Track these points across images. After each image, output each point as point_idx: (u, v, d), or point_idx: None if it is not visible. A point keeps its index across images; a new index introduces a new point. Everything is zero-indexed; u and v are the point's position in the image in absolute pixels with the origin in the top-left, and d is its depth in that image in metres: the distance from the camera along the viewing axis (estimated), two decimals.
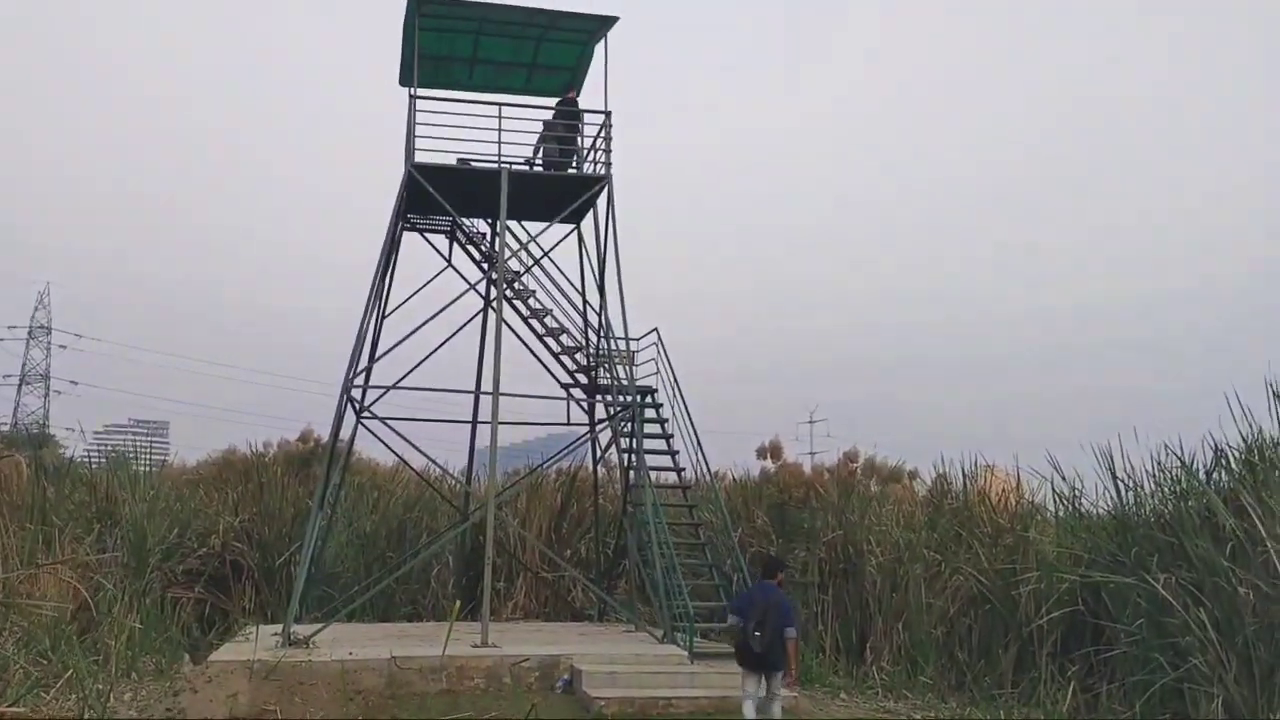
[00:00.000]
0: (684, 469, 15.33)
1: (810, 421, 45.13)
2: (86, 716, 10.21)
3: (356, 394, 14.81)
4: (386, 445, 14.40)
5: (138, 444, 28.32)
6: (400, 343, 14.37)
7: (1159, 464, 13.58)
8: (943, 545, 16.56)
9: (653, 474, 15.62)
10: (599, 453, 16.78)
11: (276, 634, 12.85)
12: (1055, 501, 16.17)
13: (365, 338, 14.13)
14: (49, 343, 78.12)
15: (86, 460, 20.56)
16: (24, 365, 76.40)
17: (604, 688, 11.47)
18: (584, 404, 16.75)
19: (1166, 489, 13.67)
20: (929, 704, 13.74)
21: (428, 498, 19.77)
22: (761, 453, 28.96)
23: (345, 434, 15.74)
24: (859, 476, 25.21)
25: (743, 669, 10.39)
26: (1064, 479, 15.26)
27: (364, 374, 14.88)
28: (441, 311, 14.05)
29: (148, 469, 24.45)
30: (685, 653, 12.55)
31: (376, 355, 14.70)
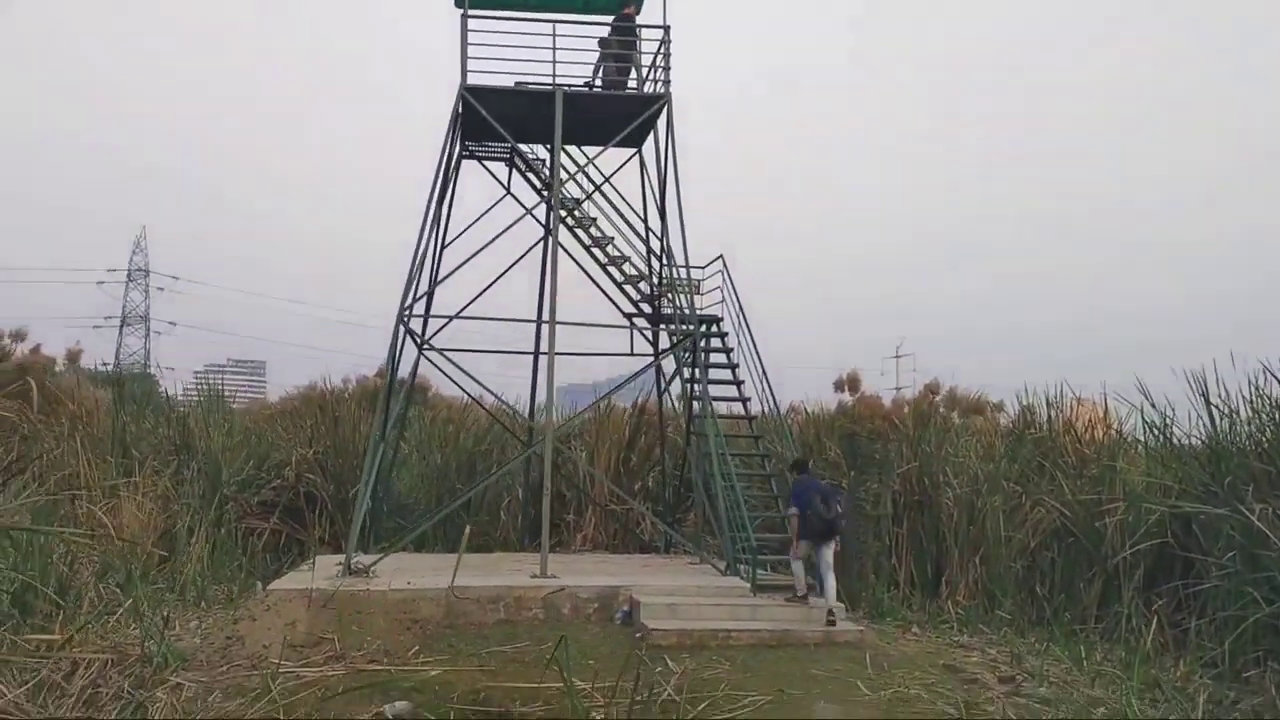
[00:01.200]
0: (750, 399, 14.80)
1: (896, 356, 43.92)
2: (146, 645, 10.27)
3: (416, 325, 14.58)
4: (449, 377, 14.15)
5: (224, 384, 28.95)
6: (457, 269, 14.09)
7: (1257, 388, 12.62)
8: (1024, 477, 15.82)
9: (719, 406, 15.13)
10: (664, 384, 16.32)
11: (340, 564, 12.79)
12: (1145, 430, 15.28)
13: (421, 265, 13.82)
14: (147, 285, 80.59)
15: (166, 396, 20.87)
16: (124, 307, 78.93)
17: (662, 619, 11.14)
18: (648, 334, 16.28)
19: (1265, 415, 12.72)
20: (1005, 639, 13.13)
21: (497, 432, 19.63)
22: (839, 385, 28.32)
23: (408, 366, 15.58)
24: (940, 408, 24.37)
25: (805, 541, 11.99)
26: (1154, 407, 14.34)
27: (425, 301, 14.64)
28: (498, 237, 13.69)
29: (226, 405, 24.94)
30: (747, 585, 12.14)
31: (435, 283, 14.39)
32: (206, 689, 9.78)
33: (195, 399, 22.26)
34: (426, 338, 15.14)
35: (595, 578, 12.28)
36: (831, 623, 11.51)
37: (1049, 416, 17.07)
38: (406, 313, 13.19)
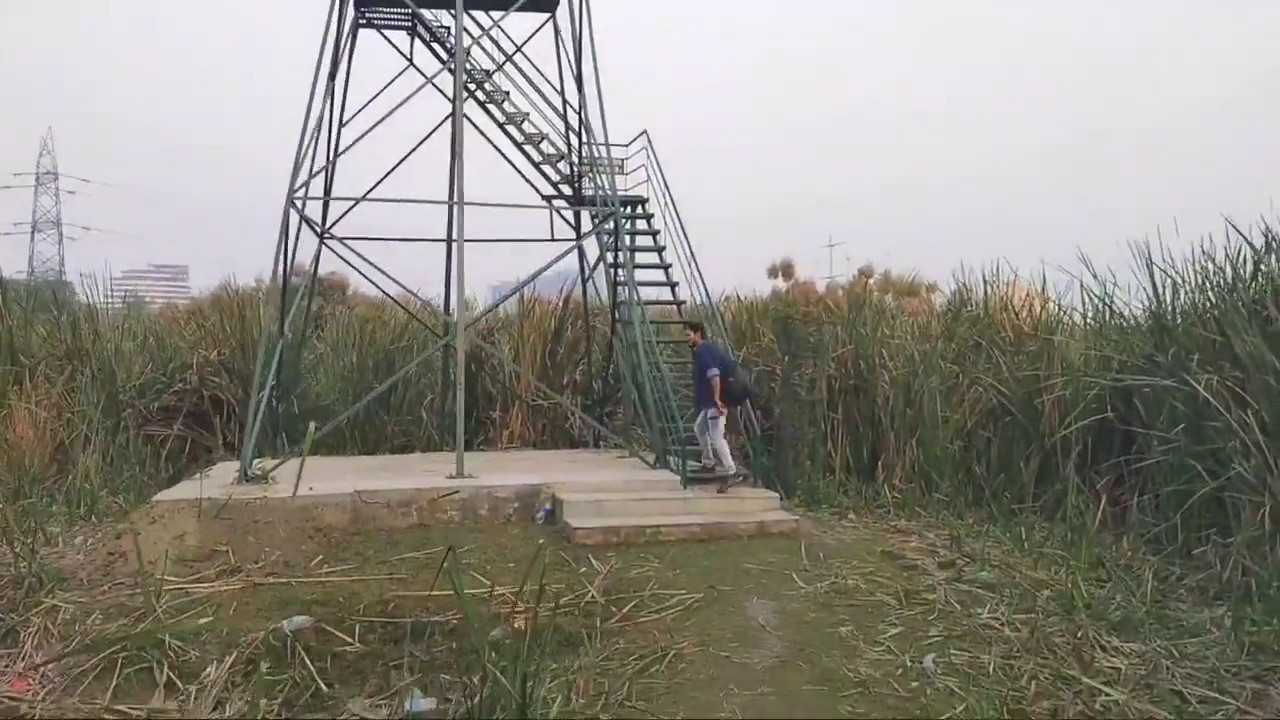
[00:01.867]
0: (678, 283, 13.88)
1: (830, 245, 43.21)
2: (19, 565, 9.27)
3: (315, 212, 13.33)
4: (357, 270, 12.97)
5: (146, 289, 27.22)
6: (350, 146, 12.79)
7: (1205, 253, 12.00)
8: (960, 356, 15.22)
9: (647, 292, 14.21)
10: (587, 270, 15.28)
11: (250, 469, 11.77)
12: (1085, 300, 14.70)
13: (314, 143, 12.47)
14: (57, 188, 76.61)
15: (54, 297, 19.32)
16: (35, 212, 75.07)
17: (587, 517, 10.38)
18: (569, 218, 15.20)
19: (1210, 283, 12.13)
20: (944, 521, 12.67)
21: (416, 328, 18.53)
22: (773, 272, 27.59)
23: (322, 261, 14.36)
24: (874, 292, 23.72)
25: (726, 413, 11.63)
26: (1095, 276, 13.71)
27: (324, 184, 13.34)
28: (394, 110, 12.37)
29: (141, 309, 23.42)
30: (677, 478, 11.40)
31: (333, 160, 13.03)
32: (85, 610, 8.84)
33: (104, 304, 20.77)
34: (329, 225, 13.90)
35: (515, 476, 11.44)
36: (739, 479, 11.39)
37: (985, 294, 16.43)
38: (297, 195, 11.89)
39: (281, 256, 11.82)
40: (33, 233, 75.20)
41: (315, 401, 17.71)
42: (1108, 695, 6.79)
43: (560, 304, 17.70)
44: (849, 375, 15.42)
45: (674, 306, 13.93)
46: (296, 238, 12.76)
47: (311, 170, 12.46)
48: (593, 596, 8.88)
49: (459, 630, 8.56)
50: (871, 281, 25.17)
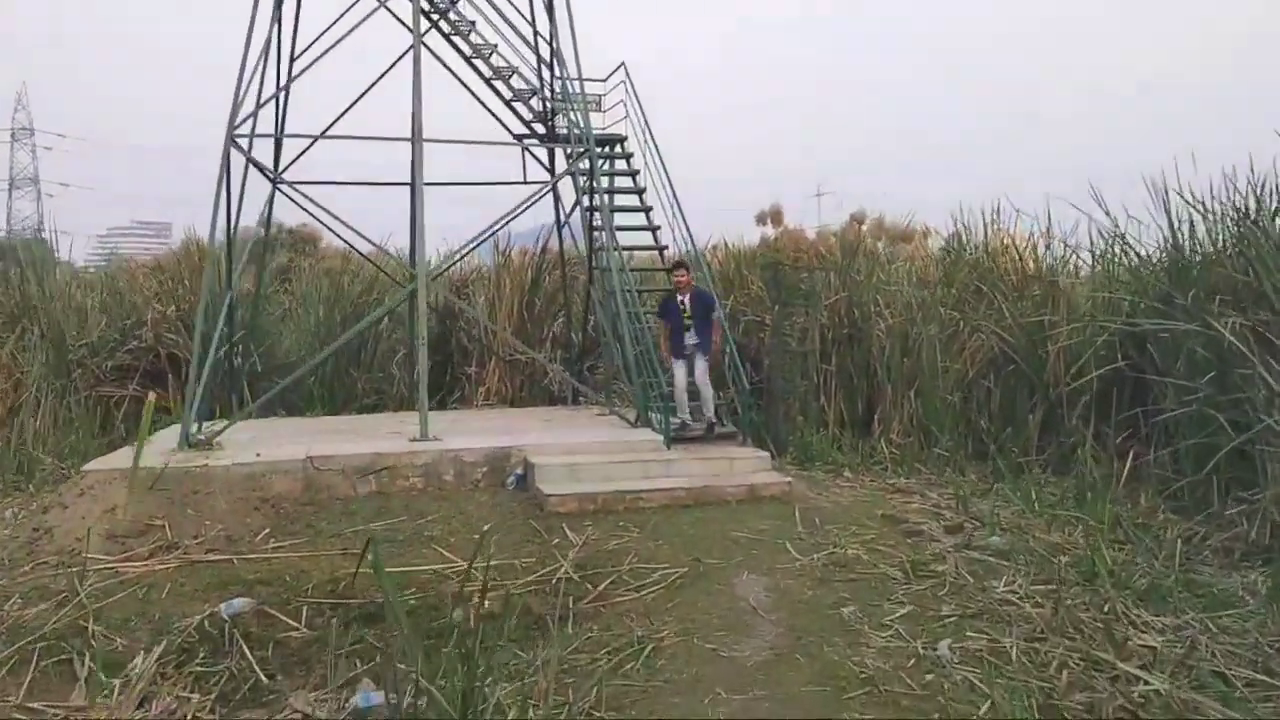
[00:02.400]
0: (659, 227, 12.81)
1: (818, 195, 41.89)
2: None
3: (266, 156, 12.18)
4: (316, 220, 11.80)
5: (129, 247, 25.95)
6: (298, 76, 11.60)
7: (1230, 184, 10.97)
8: (961, 302, 14.24)
9: (627, 238, 13.16)
10: (563, 215, 14.19)
11: (192, 434, 10.77)
12: (1095, 237, 13.68)
13: (255, 72, 11.22)
14: (33, 144, 74.59)
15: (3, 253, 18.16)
16: (11, 168, 73.09)
17: (561, 483, 9.43)
18: (543, 159, 14.08)
19: (1233, 218, 11.12)
20: (946, 479, 11.77)
21: (385, 281, 17.44)
22: (761, 218, 26.35)
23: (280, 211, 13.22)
24: (867, 239, 22.62)
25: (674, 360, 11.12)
26: (1107, 213, 12.67)
27: (275, 123, 12.16)
28: (347, 35, 11.16)
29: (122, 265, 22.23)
30: (660, 439, 10.44)
31: (278, 96, 11.82)
32: (4, 594, 7.89)
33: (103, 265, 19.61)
34: (282, 169, 12.76)
35: (485, 437, 10.46)
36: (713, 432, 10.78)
37: (986, 236, 15.42)
38: (240, 133, 10.70)
39: (224, 202, 10.68)
40: (10, 189, 73.42)
41: (284, 359, 16.68)
42: (1147, 684, 5.90)
43: (537, 253, 16.61)
44: (842, 324, 14.46)
45: (656, 252, 12.87)
46: (244, 181, 11.63)
47: (259, 102, 11.26)
48: (565, 572, 7.96)
49: (418, 612, 7.65)
50: (864, 227, 24.07)
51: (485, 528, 8.91)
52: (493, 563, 8.19)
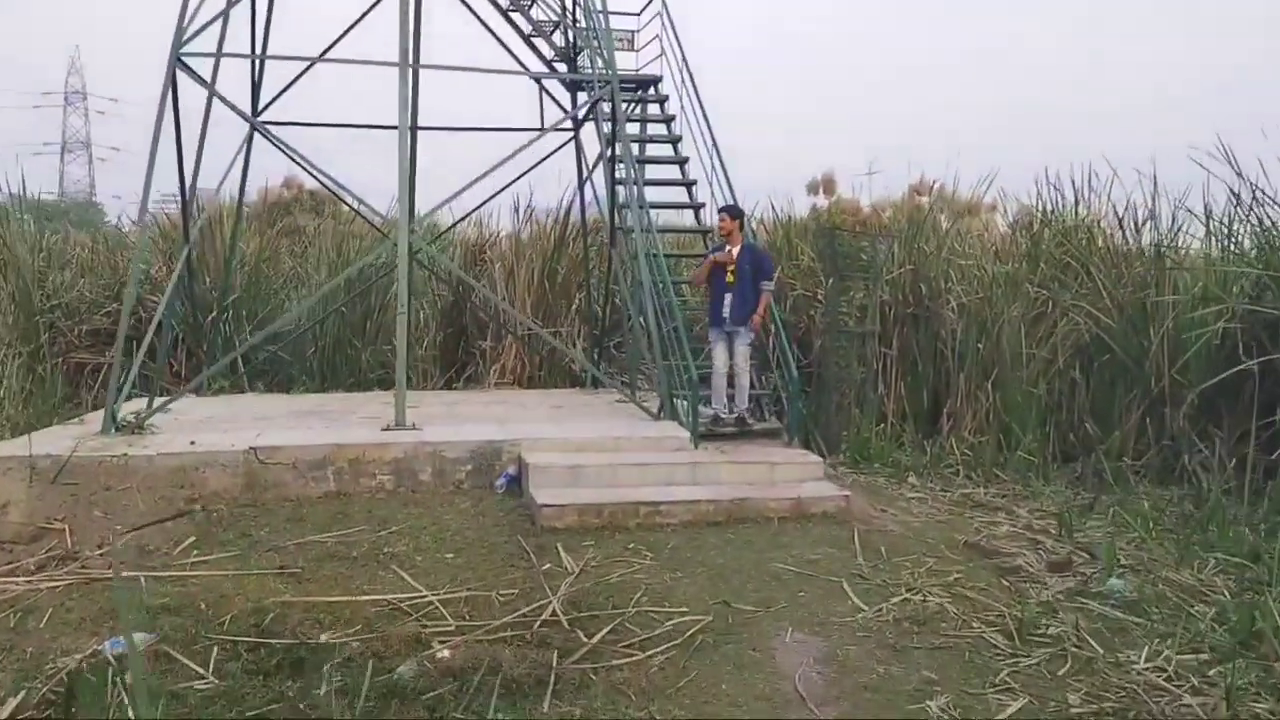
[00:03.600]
0: (695, 181, 10.71)
1: (869, 174, 39.14)
2: None
3: (236, 92, 10.25)
4: (297, 162, 9.81)
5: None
6: None
7: None
8: (1050, 280, 11.97)
9: (657, 196, 11.09)
10: (585, 169, 12.10)
11: (138, 411, 8.93)
12: (1213, 201, 11.36)
13: None
14: (86, 108, 73.61)
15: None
16: (64, 133, 72.20)
17: (560, 488, 7.44)
18: (567, 107, 12.02)
19: None
20: (1033, 489, 9.62)
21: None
22: (813, 188, 24.10)
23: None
24: (928, 211, 20.22)
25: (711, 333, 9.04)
26: (1239, 173, 10.34)
27: (253, 58, 10.19)
28: None
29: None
30: (686, 434, 8.38)
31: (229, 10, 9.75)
32: None
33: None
34: (261, 108, 10.85)
35: (475, 428, 8.49)
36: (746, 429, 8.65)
37: (1077, 203, 13.07)
38: (186, 52, 8.70)
39: (171, 136, 8.78)
40: (62, 153, 72.61)
41: (278, 331, 14.84)
42: None
43: (561, 214, 14.57)
44: (907, 302, 12.27)
45: (691, 213, 10.75)
46: (206, 116, 9.69)
47: (224, 27, 9.29)
48: (554, 611, 5.97)
49: (358, 661, 5.71)
50: (925, 200, 21.72)
51: (461, 545, 6.98)
52: (465, 593, 6.28)
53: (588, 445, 8.07)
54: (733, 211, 8.87)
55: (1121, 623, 5.93)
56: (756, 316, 8.60)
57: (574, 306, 14.70)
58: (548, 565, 6.63)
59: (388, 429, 8.26)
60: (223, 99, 9.50)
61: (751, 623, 5.70)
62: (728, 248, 8.79)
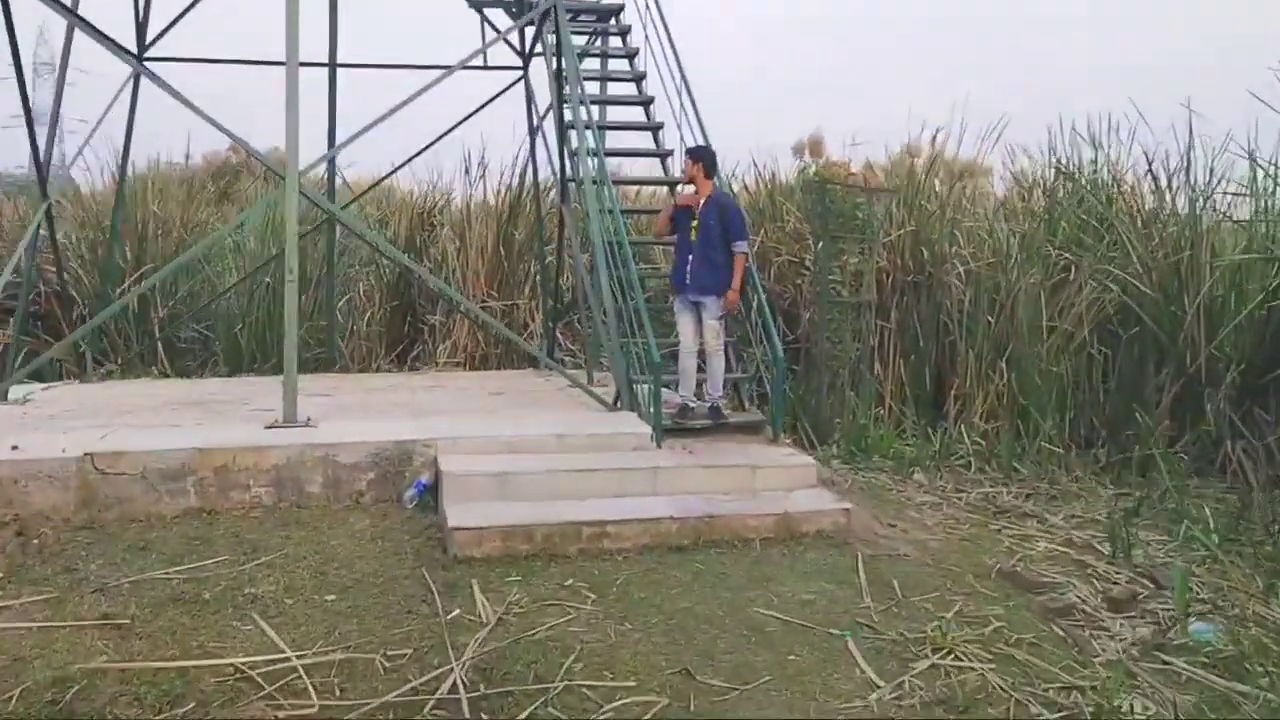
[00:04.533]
0: (662, 125, 8.92)
1: (853, 144, 37.11)
2: None
3: (124, 36, 8.40)
4: (187, 105, 7.90)
5: None
6: None
7: None
8: (1072, 242, 10.28)
9: (614, 144, 9.32)
10: (536, 115, 10.25)
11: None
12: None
13: None
14: (59, 80, 70.64)
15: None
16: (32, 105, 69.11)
17: (483, 503, 5.73)
18: (516, 45, 10.18)
19: None
20: (1064, 490, 8.00)
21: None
22: (799, 149, 22.32)
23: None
24: (929, 166, 18.37)
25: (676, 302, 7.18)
26: None
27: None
28: None
29: None
30: (647, 429, 6.65)
31: None
32: None
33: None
34: (147, 44, 9.00)
35: (382, 423, 6.74)
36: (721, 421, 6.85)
37: (1097, 157, 11.35)
38: None
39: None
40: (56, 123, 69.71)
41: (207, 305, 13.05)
42: None
43: (516, 171, 12.76)
44: (908, 268, 10.58)
45: (658, 161, 8.95)
46: (65, 55, 7.88)
47: None
48: (454, 684, 4.28)
49: None
50: (918, 162, 19.94)
51: (349, 583, 5.28)
52: (341, 654, 4.59)
53: (522, 445, 6.33)
54: (695, 154, 7.07)
55: (1226, 697, 4.28)
56: (732, 292, 6.86)
57: (535, 274, 12.95)
58: (457, 611, 4.94)
59: (274, 426, 6.51)
60: (93, 30, 7.66)
61: (722, 707, 4.01)
62: (695, 193, 7.03)
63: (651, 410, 6.64)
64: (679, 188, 7.75)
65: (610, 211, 7.47)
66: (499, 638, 4.67)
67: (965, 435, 9.27)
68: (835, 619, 4.81)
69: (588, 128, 7.83)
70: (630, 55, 9.28)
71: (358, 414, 7.14)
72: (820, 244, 9.84)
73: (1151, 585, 5.61)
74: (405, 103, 6.91)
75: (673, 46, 8.56)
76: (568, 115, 8.27)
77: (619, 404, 7.26)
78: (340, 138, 9.94)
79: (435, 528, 5.79)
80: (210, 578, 5.32)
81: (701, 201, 6.92)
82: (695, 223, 6.93)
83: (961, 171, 18.18)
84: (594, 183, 7.53)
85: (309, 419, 6.64)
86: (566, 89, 8.13)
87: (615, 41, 9.55)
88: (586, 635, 4.66)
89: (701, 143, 7.61)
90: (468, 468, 5.94)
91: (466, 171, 13.16)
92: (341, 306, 13.16)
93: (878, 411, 9.82)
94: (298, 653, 4.60)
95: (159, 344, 12.17)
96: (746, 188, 13.75)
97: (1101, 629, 4.99)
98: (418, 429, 6.50)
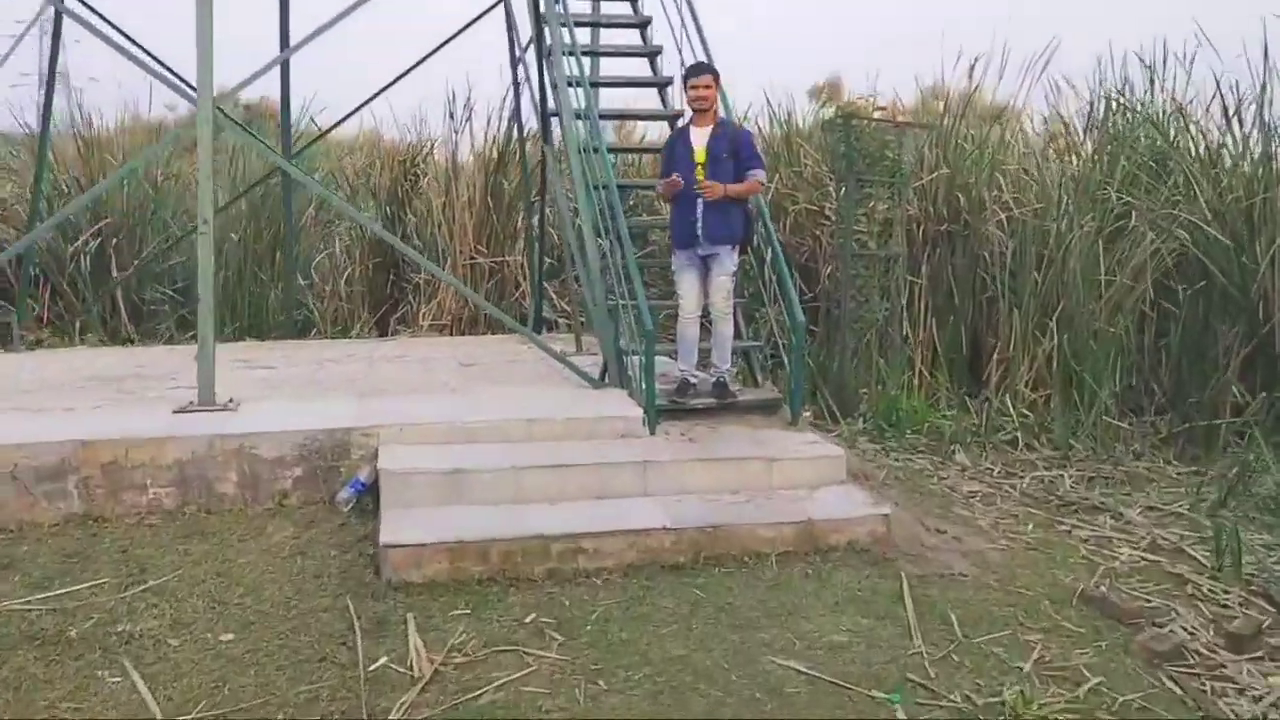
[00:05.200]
0: (660, 49, 7.56)
1: (873, 95, 35.36)
2: None
3: None
4: (97, 33, 6.53)
5: None
6: None
7: None
8: (1129, 184, 8.89)
9: (612, 73, 7.98)
10: (519, 46, 8.85)
11: None
12: None
13: None
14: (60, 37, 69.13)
15: None
16: (41, 62, 67.86)
17: (429, 509, 4.52)
18: None
19: None
20: (1131, 471, 6.75)
21: (313, 151, 12.44)
22: (815, 93, 20.71)
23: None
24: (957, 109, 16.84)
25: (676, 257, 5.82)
26: None
27: None
28: None
29: None
30: (638, 412, 5.39)
31: None
32: None
33: None
34: None
35: (315, 405, 5.51)
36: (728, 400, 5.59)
37: (1153, 88, 9.89)
38: None
39: None
40: (40, 84, 68.50)
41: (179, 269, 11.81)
42: None
43: (504, 119, 11.40)
44: (942, 217, 9.23)
45: (656, 91, 7.56)
46: None
47: None
48: None
49: None
50: (953, 94, 18.30)
51: (253, 615, 4.09)
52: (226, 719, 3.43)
53: (484, 432, 5.09)
54: (705, 69, 5.74)
55: None
56: (734, 186, 5.50)
57: (518, 230, 11.64)
58: (384, 658, 3.76)
59: (185, 410, 5.29)
60: None
61: None
62: (692, 135, 5.69)
63: (644, 388, 5.38)
64: (679, 121, 6.36)
65: (595, 150, 6.15)
66: (432, 701, 3.49)
67: (1010, 406, 8.00)
68: (876, 672, 3.59)
69: (570, 53, 6.50)
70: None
71: (295, 393, 5.92)
72: (844, 189, 8.49)
73: (1271, 609, 4.38)
74: (347, 13, 5.58)
75: None
76: (548, 39, 6.92)
77: (606, 379, 6.00)
78: (298, 68, 8.62)
79: (370, 540, 4.59)
80: (81, 608, 4.15)
81: (707, 132, 5.60)
82: (702, 162, 5.61)
83: (999, 113, 16.63)
84: (576, 117, 6.19)
85: (230, 401, 5.42)
86: (544, 6, 6.76)
87: None
88: (548, 699, 3.46)
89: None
90: (414, 463, 4.72)
91: (451, 116, 11.79)
92: (322, 263, 11.95)
93: (907, 377, 8.54)
94: (172, 718, 3.44)
95: (122, 307, 11.03)
96: (760, 130, 12.32)
97: (1225, 678, 3.76)
98: (360, 413, 5.27)
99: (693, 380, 5.70)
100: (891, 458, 6.90)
